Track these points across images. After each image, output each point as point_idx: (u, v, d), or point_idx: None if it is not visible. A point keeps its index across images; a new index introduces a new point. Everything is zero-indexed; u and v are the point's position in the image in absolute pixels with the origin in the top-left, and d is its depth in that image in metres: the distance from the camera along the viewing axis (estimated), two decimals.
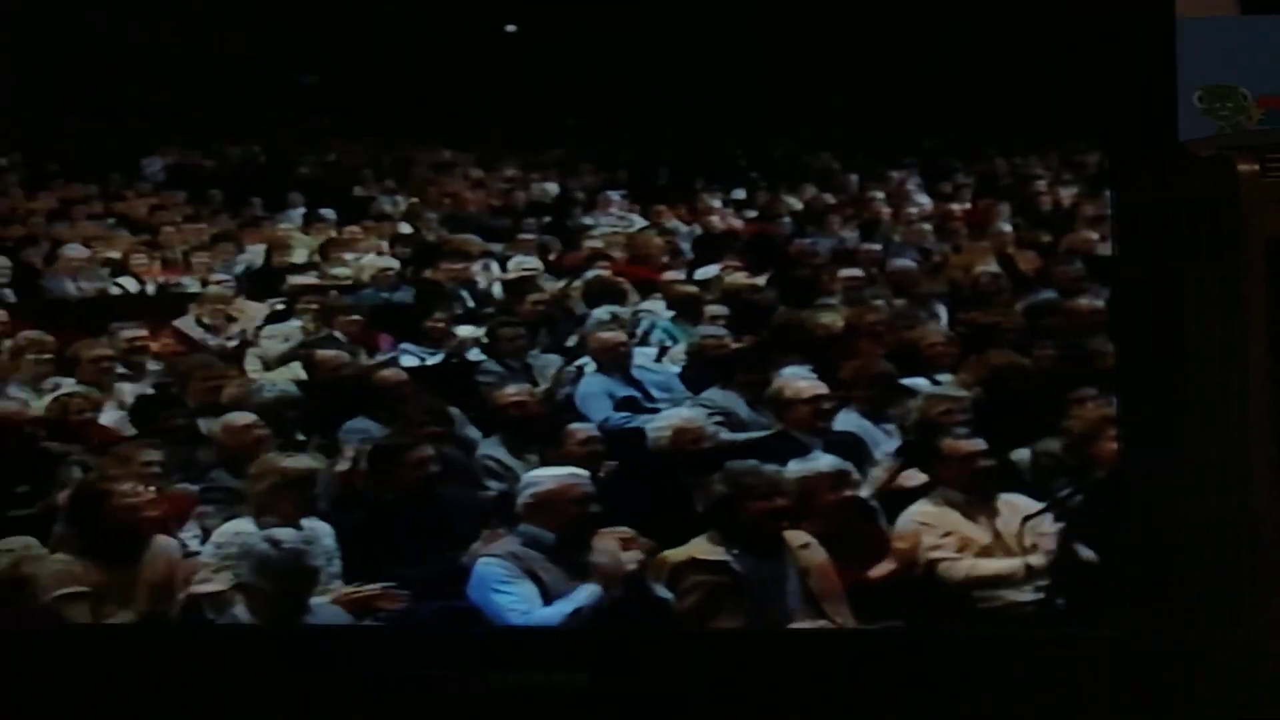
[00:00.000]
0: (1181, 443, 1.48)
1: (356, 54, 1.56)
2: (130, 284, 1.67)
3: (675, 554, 1.48)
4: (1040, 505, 1.53)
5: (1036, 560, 1.51)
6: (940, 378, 1.63)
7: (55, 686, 1.47)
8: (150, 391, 1.58)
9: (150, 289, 1.68)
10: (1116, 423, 1.46)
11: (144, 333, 1.60)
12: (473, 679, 1.48)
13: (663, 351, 1.69)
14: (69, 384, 1.58)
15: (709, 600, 1.47)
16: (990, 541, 1.54)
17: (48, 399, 1.56)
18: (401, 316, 1.67)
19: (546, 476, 1.53)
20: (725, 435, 1.61)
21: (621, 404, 1.66)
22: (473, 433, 1.61)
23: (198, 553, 1.51)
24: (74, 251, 1.64)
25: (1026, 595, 1.52)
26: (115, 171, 1.66)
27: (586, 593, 1.50)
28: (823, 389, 1.60)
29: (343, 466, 1.57)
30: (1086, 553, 1.51)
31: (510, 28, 1.59)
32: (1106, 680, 1.48)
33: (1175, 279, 1.52)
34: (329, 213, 1.71)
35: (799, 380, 1.61)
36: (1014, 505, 1.55)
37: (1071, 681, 1.47)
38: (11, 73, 1.54)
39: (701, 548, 1.48)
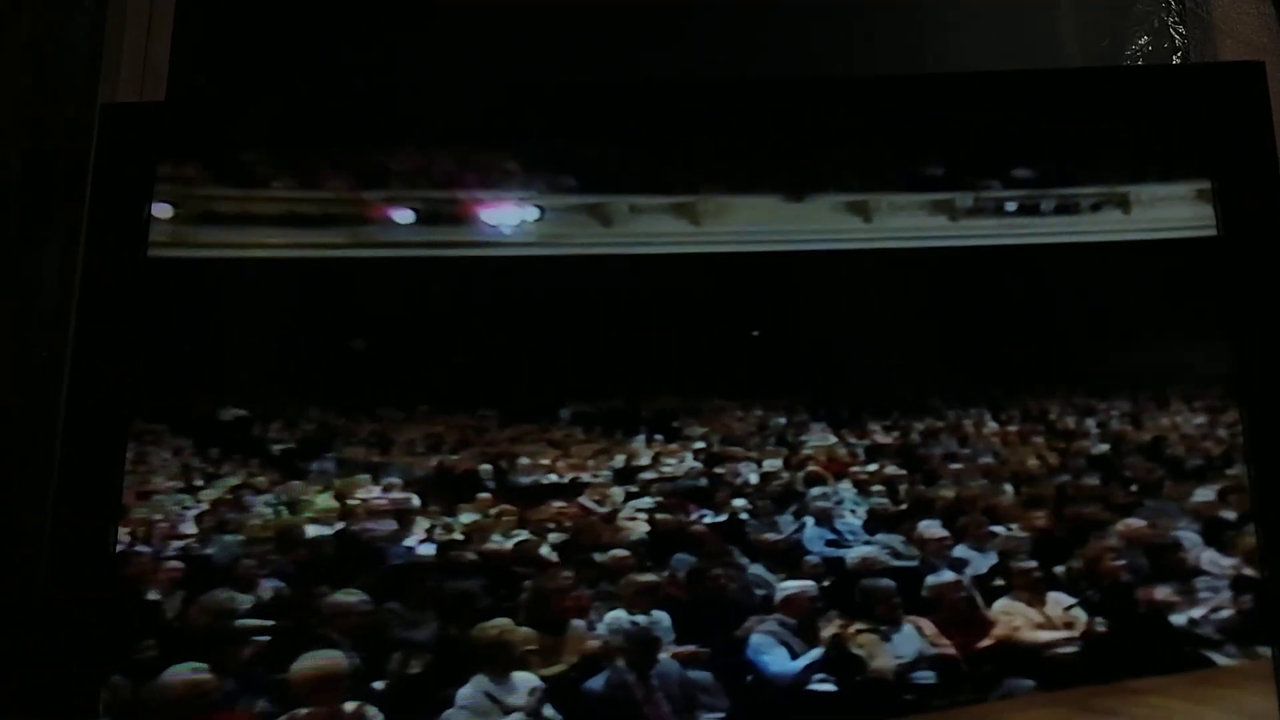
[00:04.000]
0: None
1: (669, 349, 2.82)
2: (554, 478, 2.80)
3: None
4: (1074, 600, 2.65)
5: (1071, 630, 2.62)
6: (1011, 526, 2.70)
7: None
8: (564, 538, 2.74)
9: (564, 480, 2.81)
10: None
11: (563, 506, 2.80)
12: None
13: (851, 512, 2.85)
14: (524, 534, 2.77)
15: (869, 649, 2.60)
16: (1043, 621, 2.68)
17: (512, 543, 2.73)
18: (702, 494, 2.77)
19: (791, 586, 2.65)
20: (890, 562, 2.73)
21: (830, 543, 2.77)
22: (743, 560, 2.76)
23: (594, 628, 2.68)
24: (523, 461, 2.81)
25: (1072, 648, 2.55)
26: (544, 417, 2.84)
27: (815, 653, 2.63)
28: (946, 534, 2.71)
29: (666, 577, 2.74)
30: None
31: (755, 333, 2.85)
32: None
33: None
34: (659, 436, 2.78)
35: (932, 529, 2.72)
36: (1057, 600, 2.62)
37: None
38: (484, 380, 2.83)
39: (860, 624, 2.63)
